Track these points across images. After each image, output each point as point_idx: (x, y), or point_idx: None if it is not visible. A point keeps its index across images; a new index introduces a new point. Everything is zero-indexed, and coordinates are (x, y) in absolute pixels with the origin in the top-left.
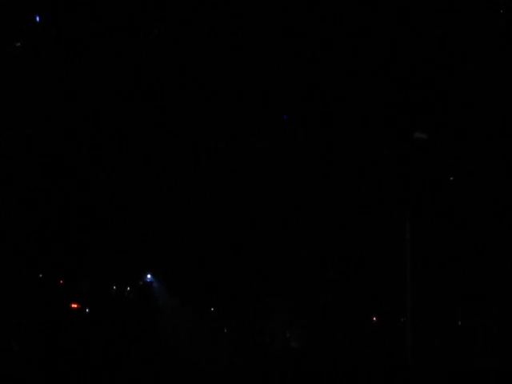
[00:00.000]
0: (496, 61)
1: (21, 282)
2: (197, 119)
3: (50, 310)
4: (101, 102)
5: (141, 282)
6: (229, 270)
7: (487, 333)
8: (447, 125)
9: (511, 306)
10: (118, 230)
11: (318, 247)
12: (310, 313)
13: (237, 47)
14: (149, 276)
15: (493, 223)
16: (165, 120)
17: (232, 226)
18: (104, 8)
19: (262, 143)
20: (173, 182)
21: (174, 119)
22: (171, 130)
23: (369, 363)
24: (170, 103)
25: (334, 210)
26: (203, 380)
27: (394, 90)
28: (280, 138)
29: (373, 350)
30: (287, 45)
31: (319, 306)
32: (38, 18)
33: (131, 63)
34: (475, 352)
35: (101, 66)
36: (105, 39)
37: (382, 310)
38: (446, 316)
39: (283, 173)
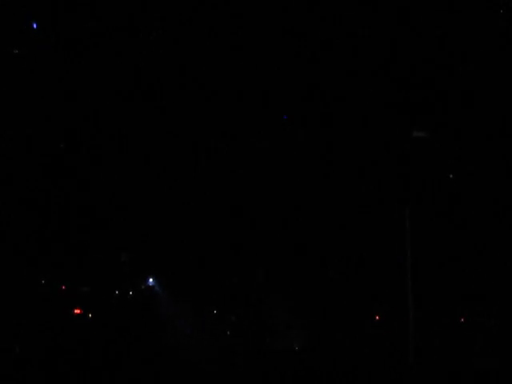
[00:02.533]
0: (496, 61)
1: (23, 287)
2: (197, 119)
3: (53, 316)
4: (100, 102)
5: (143, 286)
6: (229, 270)
7: (487, 332)
8: (447, 124)
9: (511, 306)
10: (118, 233)
11: (318, 247)
12: (310, 312)
13: (237, 47)
14: (151, 280)
15: (493, 223)
16: (165, 120)
17: (232, 226)
18: (103, 8)
19: (262, 143)
20: (173, 181)
21: (173, 119)
22: (171, 129)
23: (369, 363)
24: (170, 103)
25: (333, 210)
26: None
27: (394, 90)
28: (280, 137)
29: (373, 349)
30: (287, 45)
31: (319, 305)
32: (35, 25)
33: (131, 63)
34: (475, 352)
35: (100, 65)
36: (104, 39)
37: (382, 309)
38: (447, 316)
39: (283, 173)
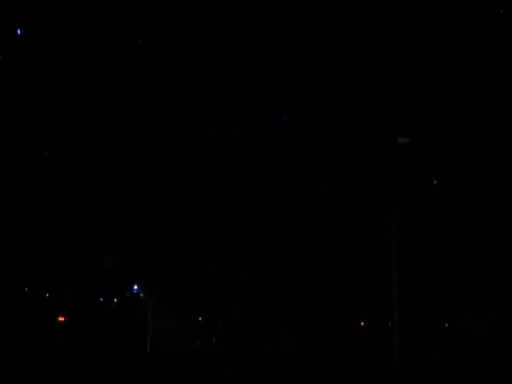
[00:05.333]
0: (495, 61)
1: (6, 295)
2: (194, 119)
3: (38, 324)
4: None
5: (127, 293)
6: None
7: (472, 336)
8: (432, 131)
9: (501, 307)
10: (102, 238)
11: (303, 252)
12: (297, 318)
13: (235, 45)
14: (135, 287)
15: (479, 224)
16: (159, 122)
17: (219, 231)
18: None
19: (260, 142)
20: (158, 186)
21: (170, 121)
22: (167, 131)
23: (355, 368)
24: (167, 104)
25: (319, 215)
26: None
27: (381, 96)
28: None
29: (359, 354)
30: (285, 45)
31: (306, 311)
32: (19, 31)
33: (126, 65)
34: (463, 353)
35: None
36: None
37: (369, 313)
38: (434, 318)
39: (279, 172)
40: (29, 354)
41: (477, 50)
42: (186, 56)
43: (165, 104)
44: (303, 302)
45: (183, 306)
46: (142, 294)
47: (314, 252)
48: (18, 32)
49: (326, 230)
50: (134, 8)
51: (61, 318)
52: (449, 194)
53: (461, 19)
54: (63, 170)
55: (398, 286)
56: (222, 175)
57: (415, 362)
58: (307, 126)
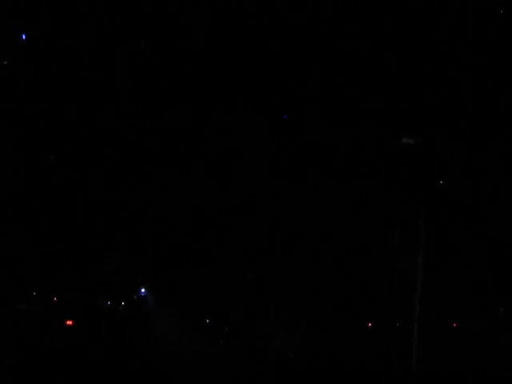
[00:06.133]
0: (495, 61)
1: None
2: (194, 119)
3: (45, 328)
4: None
5: (135, 296)
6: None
7: (476, 333)
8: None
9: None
10: (106, 238)
11: (308, 250)
12: (301, 319)
13: (235, 45)
14: (143, 290)
15: (479, 224)
16: (159, 122)
17: (222, 230)
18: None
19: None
20: (161, 184)
21: (170, 121)
22: (167, 131)
23: (365, 368)
24: (167, 104)
25: (324, 214)
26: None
27: (385, 95)
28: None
29: (370, 354)
30: (285, 45)
31: (310, 312)
32: (24, 37)
33: (126, 65)
34: (463, 353)
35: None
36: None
37: (371, 313)
38: (435, 318)
39: (279, 172)
40: (29, 354)
41: (477, 49)
42: (186, 56)
43: (165, 104)
44: (303, 302)
45: (184, 306)
46: (149, 297)
47: (314, 252)
48: (23, 37)
49: (326, 230)
50: (134, 8)
51: (69, 322)
52: (449, 193)
53: (461, 19)
54: (63, 169)
55: (399, 287)
56: (222, 175)
57: (416, 363)
58: (307, 125)
